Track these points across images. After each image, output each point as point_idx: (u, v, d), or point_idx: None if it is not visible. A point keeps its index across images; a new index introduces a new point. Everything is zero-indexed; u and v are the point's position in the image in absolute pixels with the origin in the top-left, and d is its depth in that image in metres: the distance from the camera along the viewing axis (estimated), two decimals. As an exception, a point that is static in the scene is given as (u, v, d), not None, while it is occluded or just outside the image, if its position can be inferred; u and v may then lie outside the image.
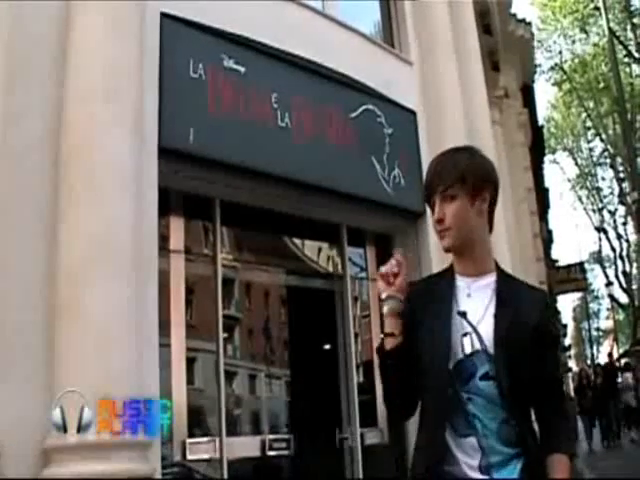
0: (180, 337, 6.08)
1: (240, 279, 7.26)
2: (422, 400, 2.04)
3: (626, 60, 26.81)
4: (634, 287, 33.98)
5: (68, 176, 4.65)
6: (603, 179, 33.11)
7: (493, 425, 1.94)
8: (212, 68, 5.93)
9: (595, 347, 47.21)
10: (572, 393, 19.43)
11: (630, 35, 27.13)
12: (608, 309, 43.20)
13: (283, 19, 6.69)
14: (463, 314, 2.01)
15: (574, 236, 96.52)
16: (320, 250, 8.11)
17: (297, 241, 8.00)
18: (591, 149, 33.00)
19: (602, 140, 30.89)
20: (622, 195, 29.18)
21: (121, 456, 4.21)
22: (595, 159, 32.95)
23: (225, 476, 5.81)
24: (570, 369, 31.39)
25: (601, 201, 33.36)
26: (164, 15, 5.65)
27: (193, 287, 6.55)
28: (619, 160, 29.29)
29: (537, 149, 19.72)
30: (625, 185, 28.29)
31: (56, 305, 4.44)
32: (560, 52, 30.15)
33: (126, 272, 4.61)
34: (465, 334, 1.98)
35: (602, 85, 28.11)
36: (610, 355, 24.11)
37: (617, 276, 33.42)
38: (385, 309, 2.07)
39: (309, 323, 7.75)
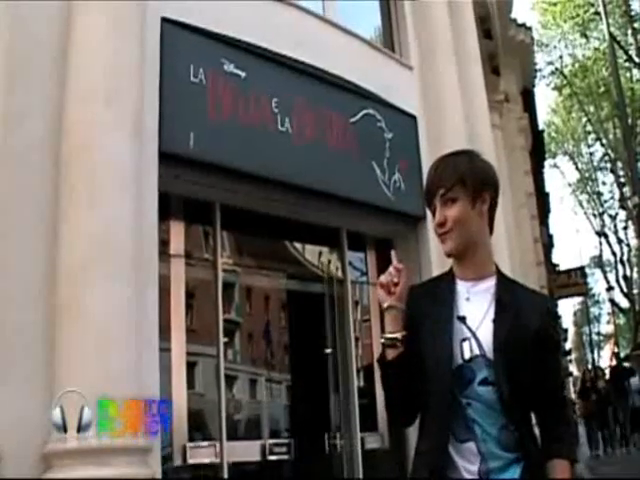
0: (180, 341, 6.09)
1: (240, 283, 7.26)
2: (423, 405, 2.02)
3: (626, 65, 26.84)
4: (635, 291, 33.92)
5: (69, 176, 4.66)
6: (604, 183, 33.13)
7: (493, 430, 1.92)
8: (212, 73, 5.94)
9: (596, 351, 47.19)
10: (573, 397, 19.13)
11: (630, 40, 27.15)
12: (609, 313, 43.12)
13: (283, 24, 6.70)
14: (462, 319, 2.00)
15: (575, 240, 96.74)
16: (320, 254, 8.11)
17: (297, 245, 8.01)
18: (591, 153, 33.02)
19: (602, 144, 30.89)
20: (623, 199, 29.17)
21: (121, 461, 4.20)
22: (595, 163, 32.96)
23: (225, 481, 5.82)
24: (571, 374, 31.37)
25: (602, 205, 33.35)
26: (165, 20, 5.66)
27: (193, 291, 6.55)
28: (619, 164, 29.28)
29: (537, 153, 19.73)
30: (626, 189, 28.26)
31: (56, 305, 4.45)
32: (560, 57, 30.22)
33: (126, 273, 4.61)
34: (464, 339, 1.97)
35: (602, 89, 28.11)
36: (617, 355, 23.42)
37: (618, 280, 33.38)
38: (387, 319, 2.05)
39: (309, 327, 7.75)
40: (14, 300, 4.43)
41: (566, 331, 36.92)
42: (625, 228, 32.20)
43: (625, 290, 33.04)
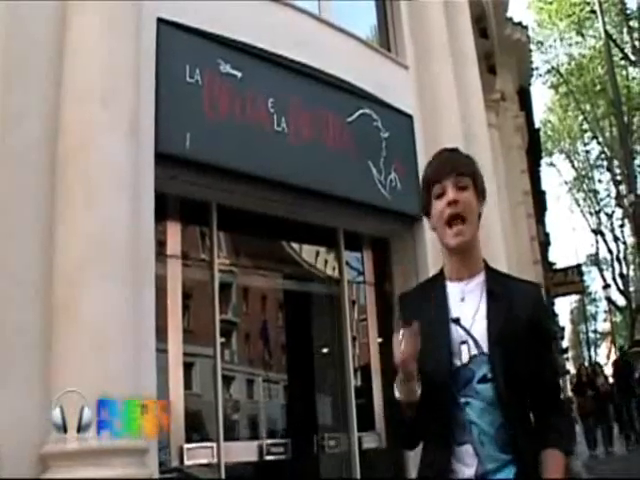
0: (177, 342, 6.08)
1: (237, 284, 7.26)
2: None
3: (622, 63, 26.87)
4: (631, 289, 34.01)
5: (65, 177, 4.65)
6: (600, 182, 33.18)
7: (490, 430, 1.92)
8: (208, 73, 5.93)
9: (593, 349, 47.23)
10: (570, 395, 18.84)
11: (626, 38, 27.17)
12: (605, 311, 43.14)
13: (280, 24, 6.70)
14: (456, 320, 1.99)
15: (571, 239, 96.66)
16: (317, 254, 8.11)
17: (294, 245, 8.00)
18: (588, 152, 33.03)
19: (599, 143, 30.93)
20: (619, 197, 29.16)
21: (119, 462, 4.20)
22: (592, 162, 32.97)
23: (222, 481, 5.81)
24: (568, 371, 31.37)
25: (598, 204, 33.40)
26: (160, 20, 5.66)
27: (190, 292, 6.55)
28: (616, 163, 29.32)
29: (534, 152, 19.75)
30: (622, 188, 28.25)
31: (53, 306, 4.45)
32: (556, 55, 30.24)
33: (123, 273, 4.61)
34: (462, 342, 1.97)
35: (598, 88, 28.17)
36: (621, 348, 22.88)
37: (614, 278, 33.45)
38: (408, 389, 1.91)
39: (306, 327, 7.76)
40: (11, 300, 4.43)
41: (563, 329, 36.87)
42: (621, 226, 32.24)
43: (622, 288, 33.11)
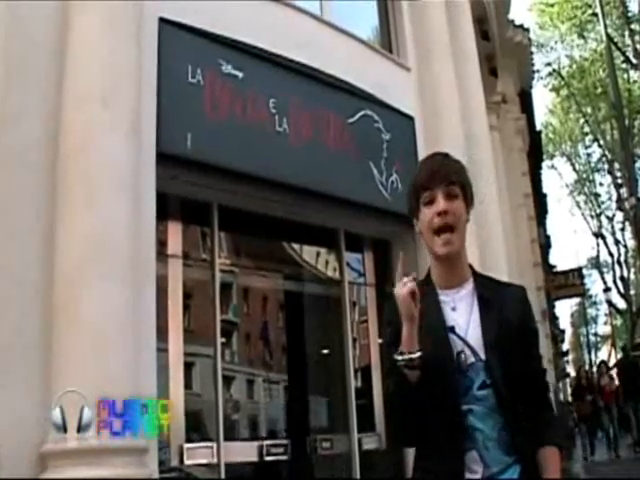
0: (178, 342, 6.08)
1: (238, 284, 7.26)
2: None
3: (624, 66, 26.85)
4: (632, 293, 33.97)
5: (66, 177, 4.65)
6: (601, 184, 33.14)
7: (493, 434, 1.92)
8: (210, 73, 5.93)
9: (593, 352, 47.20)
10: (570, 399, 18.59)
11: (628, 41, 27.14)
12: (606, 314, 43.10)
13: (281, 24, 6.70)
14: (451, 329, 1.99)
15: (572, 241, 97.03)
16: (318, 255, 8.11)
17: (295, 246, 8.00)
18: (589, 154, 33.01)
19: (600, 146, 30.90)
20: (620, 201, 29.12)
21: (118, 461, 4.20)
22: (593, 165, 32.95)
23: (222, 481, 5.81)
24: (568, 374, 31.36)
25: (599, 207, 33.38)
26: (162, 20, 5.66)
27: (191, 292, 6.55)
28: (617, 166, 29.27)
29: (535, 154, 19.77)
30: (623, 191, 28.21)
31: (53, 306, 4.45)
32: (558, 58, 30.23)
33: (124, 273, 4.61)
34: (459, 352, 1.96)
35: (600, 91, 28.13)
36: (623, 348, 22.43)
37: (615, 282, 33.39)
38: (406, 334, 1.90)
39: (307, 328, 7.75)
40: (11, 301, 4.43)
41: (563, 332, 36.89)
42: (622, 229, 32.21)
43: (622, 291, 33.05)
